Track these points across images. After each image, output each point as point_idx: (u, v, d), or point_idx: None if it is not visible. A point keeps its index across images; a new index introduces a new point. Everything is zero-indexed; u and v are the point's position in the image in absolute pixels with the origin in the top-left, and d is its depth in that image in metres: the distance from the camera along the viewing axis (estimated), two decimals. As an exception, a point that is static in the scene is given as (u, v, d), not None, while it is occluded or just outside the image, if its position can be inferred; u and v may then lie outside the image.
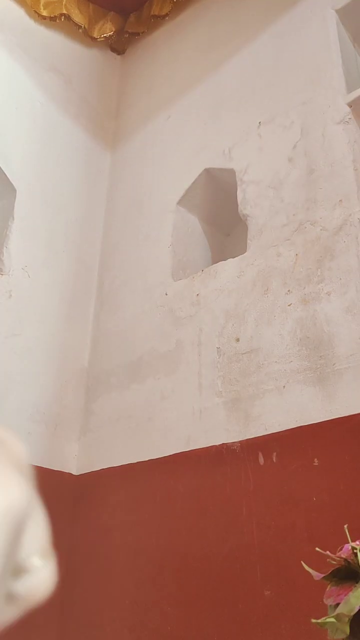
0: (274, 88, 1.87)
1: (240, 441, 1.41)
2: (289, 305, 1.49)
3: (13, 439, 0.28)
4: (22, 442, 0.31)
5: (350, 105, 1.61)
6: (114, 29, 2.52)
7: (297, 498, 1.26)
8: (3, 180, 1.95)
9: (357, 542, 0.63)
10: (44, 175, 2.09)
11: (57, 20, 2.34)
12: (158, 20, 2.48)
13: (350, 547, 0.63)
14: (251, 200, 1.75)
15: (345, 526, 0.65)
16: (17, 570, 0.23)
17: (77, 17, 2.40)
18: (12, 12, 2.28)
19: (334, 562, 0.63)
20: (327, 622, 0.59)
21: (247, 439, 1.40)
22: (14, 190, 1.94)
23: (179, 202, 2.01)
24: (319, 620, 0.60)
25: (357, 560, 0.61)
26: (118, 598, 1.49)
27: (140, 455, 1.62)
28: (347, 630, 0.57)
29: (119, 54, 2.67)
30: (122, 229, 2.17)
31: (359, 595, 0.58)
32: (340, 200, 1.50)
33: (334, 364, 1.33)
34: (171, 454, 1.55)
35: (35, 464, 1.58)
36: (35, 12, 2.27)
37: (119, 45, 2.64)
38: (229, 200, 1.90)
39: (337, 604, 0.60)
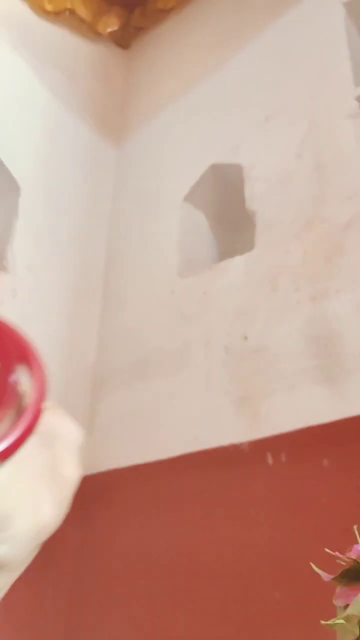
0: (282, 83, 1.85)
1: (248, 441, 1.40)
2: (297, 303, 1.47)
3: (68, 425, 0.29)
4: (77, 426, 0.31)
5: (359, 99, 1.59)
6: (119, 24, 2.51)
7: (306, 499, 1.24)
8: (7, 177, 1.93)
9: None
10: (49, 172, 2.07)
11: (62, 15, 2.33)
12: (163, 14, 2.46)
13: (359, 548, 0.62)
14: (259, 196, 1.73)
15: (355, 527, 0.65)
16: None
17: (82, 11, 2.39)
18: (15, 7, 2.26)
19: (344, 563, 0.63)
20: (337, 624, 0.59)
21: (255, 439, 1.39)
22: (18, 187, 1.93)
23: (186, 198, 1.99)
24: (329, 622, 0.59)
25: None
26: (125, 601, 1.48)
27: (147, 455, 1.61)
28: (357, 631, 0.57)
29: (123, 48, 2.65)
30: (128, 226, 2.16)
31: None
32: (350, 196, 1.48)
33: (344, 363, 1.31)
34: (178, 454, 1.54)
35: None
36: (40, 7, 2.26)
37: (123, 39, 2.62)
38: (236, 196, 1.88)
39: (347, 605, 0.60)
